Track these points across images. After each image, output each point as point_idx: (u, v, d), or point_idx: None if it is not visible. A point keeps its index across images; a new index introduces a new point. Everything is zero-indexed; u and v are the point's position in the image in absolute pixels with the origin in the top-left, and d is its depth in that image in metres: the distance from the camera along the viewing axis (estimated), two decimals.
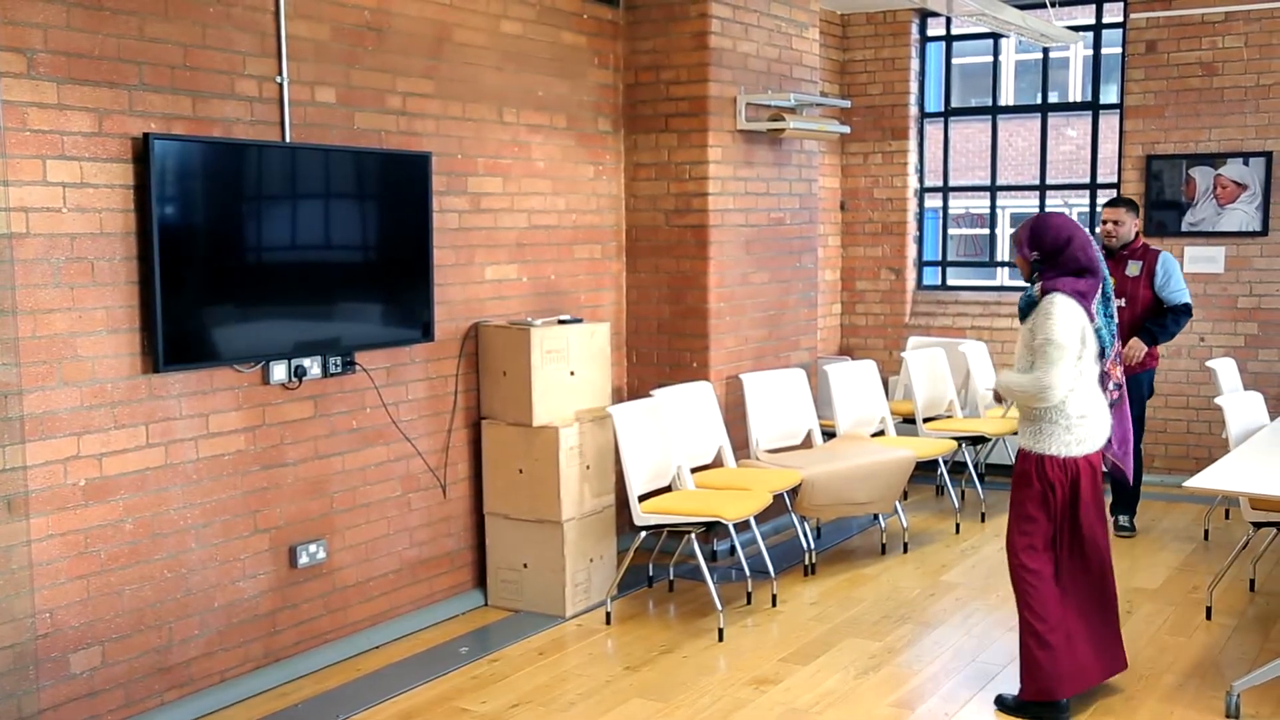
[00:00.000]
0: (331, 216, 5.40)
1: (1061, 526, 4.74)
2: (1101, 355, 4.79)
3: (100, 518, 4.55)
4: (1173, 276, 7.14)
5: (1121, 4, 8.63)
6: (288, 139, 5.13)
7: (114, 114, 4.50)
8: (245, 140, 4.94)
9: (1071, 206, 12.41)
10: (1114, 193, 8.73)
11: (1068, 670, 4.70)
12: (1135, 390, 6.77)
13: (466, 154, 6.02)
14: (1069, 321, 4.57)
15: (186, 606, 4.88)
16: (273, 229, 5.13)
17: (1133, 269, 7.14)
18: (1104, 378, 4.82)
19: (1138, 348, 7.04)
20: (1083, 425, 4.70)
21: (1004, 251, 14.68)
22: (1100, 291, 4.74)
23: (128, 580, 4.66)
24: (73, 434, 4.44)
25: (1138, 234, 7.28)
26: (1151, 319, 7.12)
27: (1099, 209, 8.99)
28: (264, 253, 5.08)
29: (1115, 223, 7.18)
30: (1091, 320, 4.71)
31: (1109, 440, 4.85)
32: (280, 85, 5.10)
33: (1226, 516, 7.72)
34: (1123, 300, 7.01)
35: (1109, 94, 9.02)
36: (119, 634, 4.64)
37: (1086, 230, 4.82)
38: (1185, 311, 7.18)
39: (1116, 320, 4.85)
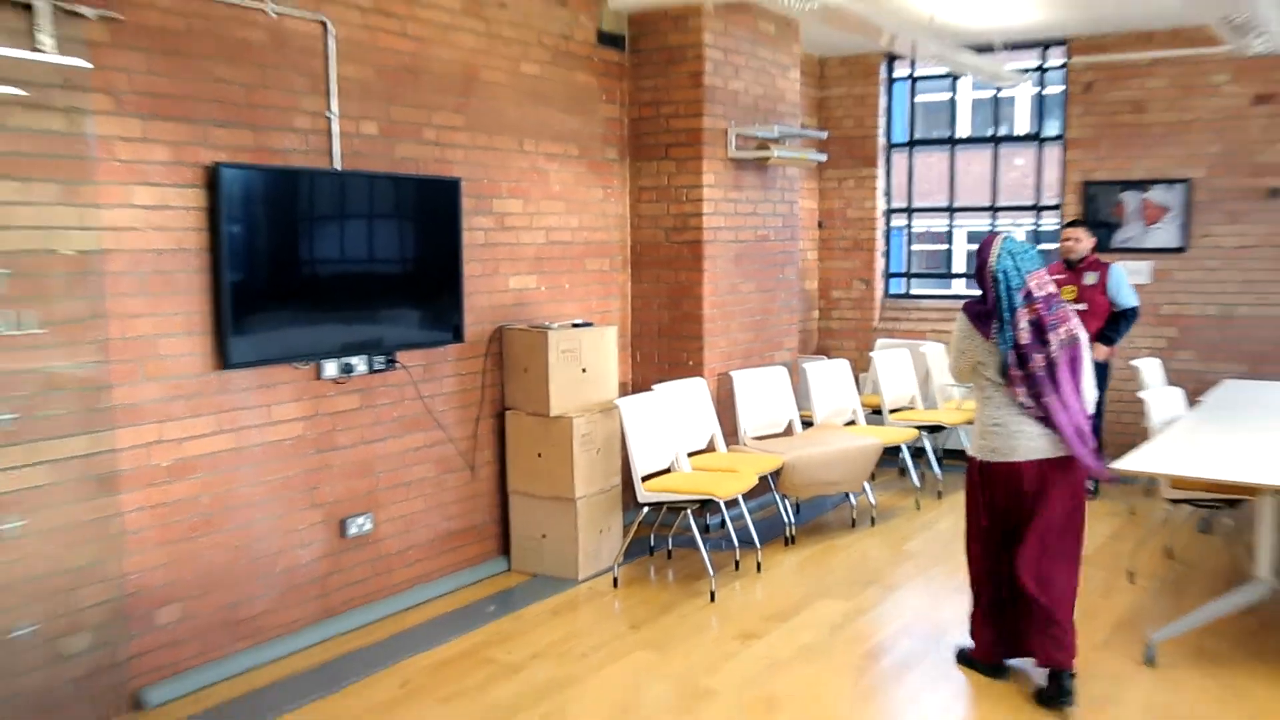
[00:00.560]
0: (375, 234, 5.39)
1: (989, 522, 4.56)
2: (1003, 372, 4.36)
3: (180, 494, 4.60)
4: (1121, 285, 7.41)
5: (1063, 49, 8.65)
6: (337, 166, 5.14)
7: (188, 146, 4.53)
8: (300, 168, 4.96)
9: (1019, 225, 12.45)
10: (1057, 214, 8.79)
11: (994, 639, 4.65)
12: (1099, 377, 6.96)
13: (492, 179, 6.03)
14: (956, 334, 4.55)
15: (253, 570, 4.91)
16: (324, 245, 5.13)
17: (1090, 279, 7.43)
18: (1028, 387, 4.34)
19: (1100, 351, 7.30)
20: (995, 435, 4.44)
21: (960, 265, 14.72)
22: (998, 315, 4.35)
23: (203, 547, 4.70)
24: (156, 422, 4.49)
25: (1092, 249, 7.52)
26: (1106, 325, 7.38)
27: (1043, 227, 9.14)
28: (316, 265, 5.09)
29: (1075, 240, 7.49)
30: (987, 338, 4.40)
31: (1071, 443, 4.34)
32: (330, 120, 5.11)
33: (1147, 495, 7.73)
34: (1084, 304, 7.32)
35: (1051, 127, 9.03)
36: (196, 592, 4.69)
37: (990, 251, 4.42)
38: (1133, 314, 7.46)
39: (1019, 343, 4.30)
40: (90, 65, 4.19)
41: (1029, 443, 4.38)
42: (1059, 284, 7.29)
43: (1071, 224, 7.65)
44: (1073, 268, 7.48)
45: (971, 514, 4.64)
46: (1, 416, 4.00)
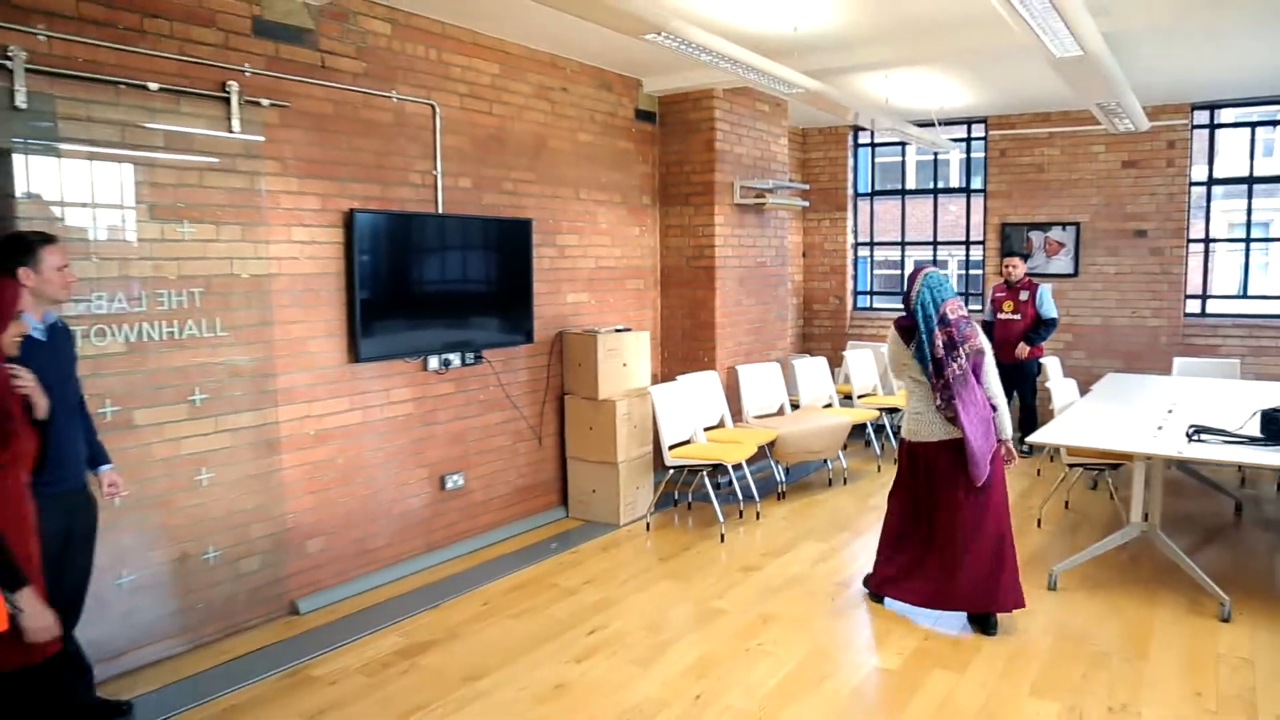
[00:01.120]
0: (467, 261, 5.41)
1: (908, 487, 4.43)
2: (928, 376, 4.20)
3: (323, 455, 4.66)
4: (1045, 300, 7.56)
5: (983, 124, 8.64)
6: (440, 211, 5.19)
7: (332, 196, 4.60)
8: (413, 212, 5.01)
9: (953, 255, 12.41)
10: (982, 248, 8.79)
11: (883, 576, 4.53)
12: (1028, 370, 7.51)
13: (555, 219, 6.05)
14: (888, 341, 4.40)
15: (376, 513, 4.97)
16: (429, 269, 5.15)
17: (1024, 296, 7.58)
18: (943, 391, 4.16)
19: (1022, 350, 7.50)
20: (915, 420, 4.29)
21: None
22: (918, 335, 4.20)
23: (340, 496, 4.76)
24: (305, 401, 4.55)
25: (1025, 273, 7.68)
26: (1030, 330, 7.52)
27: (972, 258, 9.13)
28: (424, 285, 5.12)
29: (1013, 267, 7.65)
30: (907, 346, 4.26)
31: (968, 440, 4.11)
32: (436, 176, 5.17)
33: (1051, 460, 7.70)
34: (1018, 315, 7.55)
35: (977, 182, 9.00)
36: (335, 529, 4.75)
37: (914, 285, 4.28)
38: (1052, 323, 7.57)
39: (934, 359, 4.16)
40: (264, 139, 4.29)
41: (939, 428, 4.23)
42: (999, 300, 7.64)
43: (1009, 254, 7.82)
44: (1011, 287, 7.63)
45: (897, 476, 4.57)
46: (197, 397, 4.11)
